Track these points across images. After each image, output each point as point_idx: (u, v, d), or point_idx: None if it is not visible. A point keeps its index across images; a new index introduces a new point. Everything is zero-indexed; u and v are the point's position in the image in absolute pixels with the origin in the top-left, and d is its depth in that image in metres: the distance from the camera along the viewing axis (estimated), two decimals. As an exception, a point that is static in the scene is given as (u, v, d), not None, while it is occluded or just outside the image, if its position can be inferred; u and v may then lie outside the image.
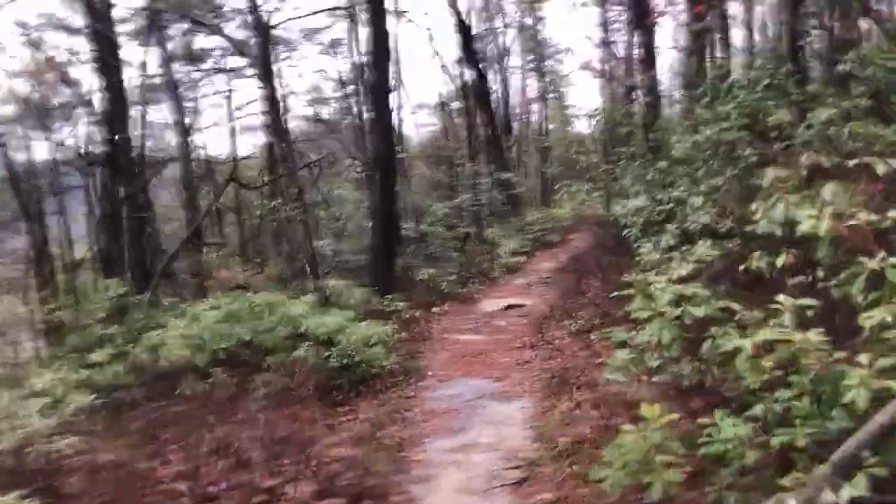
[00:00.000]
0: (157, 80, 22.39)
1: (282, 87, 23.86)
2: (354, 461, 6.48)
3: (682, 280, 5.26)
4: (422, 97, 63.10)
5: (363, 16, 23.82)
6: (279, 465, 6.36)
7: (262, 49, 14.36)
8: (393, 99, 17.57)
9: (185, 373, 8.42)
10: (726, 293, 5.25)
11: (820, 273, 4.51)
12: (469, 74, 26.41)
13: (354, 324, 9.37)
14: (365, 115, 26.84)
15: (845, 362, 3.56)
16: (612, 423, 6.30)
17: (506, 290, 15.25)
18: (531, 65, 36.18)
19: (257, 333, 9.06)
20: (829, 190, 4.12)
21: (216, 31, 17.47)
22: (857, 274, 3.42)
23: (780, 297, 3.66)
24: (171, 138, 25.00)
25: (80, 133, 22.56)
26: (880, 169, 4.12)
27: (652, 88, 15.68)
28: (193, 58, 24.25)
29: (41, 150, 24.29)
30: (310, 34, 27.20)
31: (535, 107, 37.09)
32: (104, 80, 15.43)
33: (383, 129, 14.76)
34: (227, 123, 27.30)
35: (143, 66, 21.82)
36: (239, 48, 17.60)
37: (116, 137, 15.27)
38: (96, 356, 8.88)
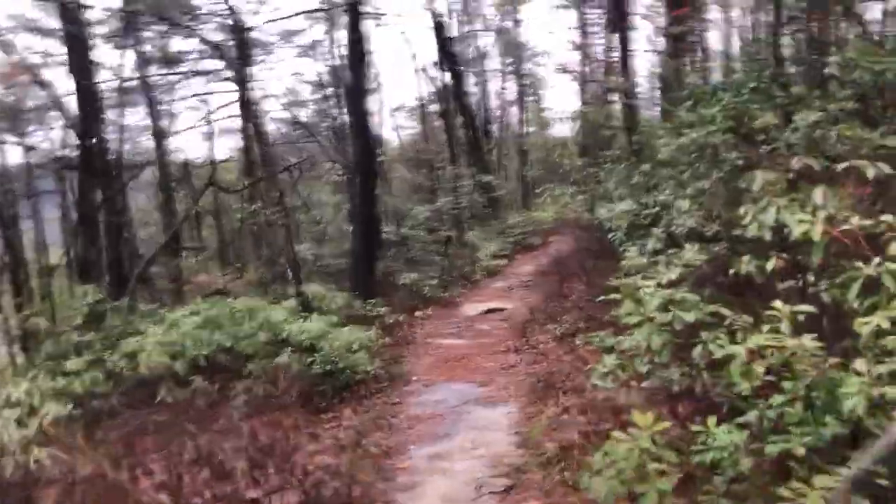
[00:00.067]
0: (133, 83, 22.11)
1: (259, 89, 23.68)
2: (339, 470, 6.39)
3: (670, 284, 5.22)
4: (400, 100, 62.91)
5: (341, 19, 23.79)
6: (263, 475, 6.25)
7: (240, 52, 14.20)
8: (372, 102, 17.48)
9: (165, 380, 8.28)
10: (714, 298, 5.22)
11: (811, 278, 4.49)
12: (447, 77, 26.38)
13: (337, 329, 9.26)
14: (344, 118, 26.81)
15: (839, 368, 3.53)
16: (601, 428, 6.26)
17: (487, 294, 15.21)
18: (509, 67, 36.23)
19: (238, 340, 8.93)
20: (819, 194, 4.09)
21: (193, 33, 17.26)
22: (852, 279, 3.39)
23: (777, 304, 3.62)
24: (148, 142, 24.73)
25: (53, 136, 22.25)
26: (870, 172, 4.11)
27: (631, 91, 15.71)
28: (169, 60, 23.98)
29: (14, 154, 23.94)
30: (287, 36, 27.03)
31: (513, 109, 37.10)
32: (78, 82, 15.18)
33: (363, 132, 14.67)
34: (204, 127, 27.04)
35: (119, 68, 21.59)
36: (217, 51, 17.40)
37: (93, 141, 15.02)
38: (73, 364, 8.69)
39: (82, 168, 15.81)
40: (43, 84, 19.30)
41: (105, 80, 18.95)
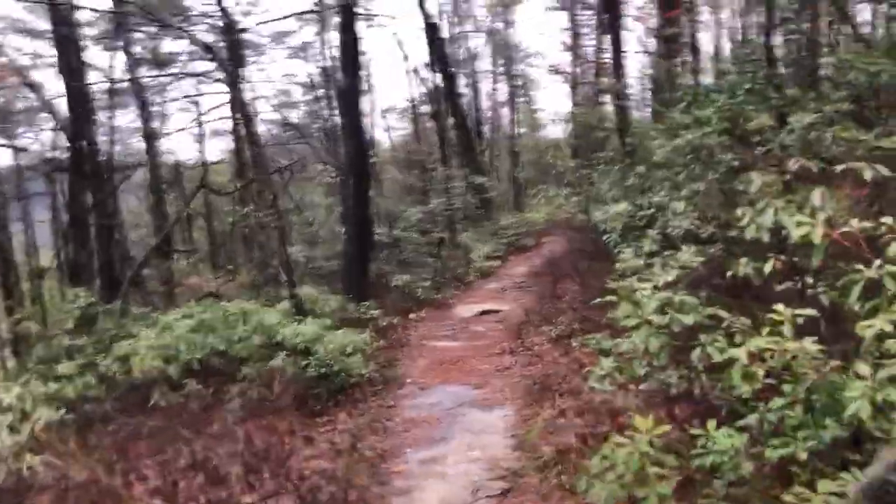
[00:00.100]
0: (124, 85, 22.01)
1: (251, 91, 23.62)
2: (335, 474, 6.35)
3: (667, 286, 5.21)
4: (391, 101, 62.96)
5: (332, 20, 23.73)
6: (258, 480, 6.21)
7: (232, 53, 14.13)
8: (364, 103, 17.43)
9: (158, 384, 8.21)
10: (711, 300, 5.22)
11: (809, 280, 4.48)
12: (439, 78, 26.37)
13: (331, 332, 9.22)
14: (336, 120, 26.74)
15: (839, 371, 3.52)
16: (598, 431, 6.24)
17: (481, 296, 15.18)
18: (501, 69, 36.26)
19: (232, 343, 8.88)
20: (817, 196, 4.08)
21: (186, 35, 17.17)
22: (854, 282, 3.38)
23: (779, 307, 3.61)
24: (138, 143, 24.62)
25: (44, 138, 22.12)
26: (867, 174, 4.10)
27: (623, 93, 15.73)
28: (160, 62, 23.88)
29: (4, 156, 23.78)
30: (278, 38, 26.97)
31: (505, 111, 37.14)
32: (68, 84, 15.08)
33: (356, 133, 14.62)
34: (196, 128, 26.94)
35: (110, 70, 21.49)
36: (209, 52, 17.32)
37: (83, 143, 14.93)
38: (65, 368, 8.62)
39: (73, 170, 15.73)
40: (33, 86, 19.19)
41: (96, 83, 18.88)
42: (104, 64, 22.07)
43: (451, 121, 26.41)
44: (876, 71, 5.67)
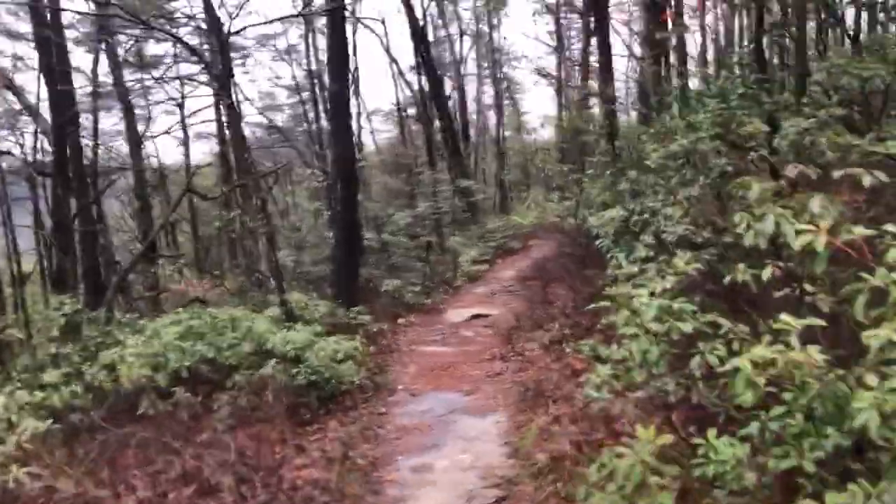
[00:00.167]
0: (108, 88, 21.82)
1: (237, 93, 23.46)
2: (328, 484, 6.28)
3: (663, 293, 5.17)
4: (376, 103, 62.90)
5: (319, 22, 23.65)
6: (250, 490, 6.12)
7: (223, 57, 14.01)
8: (350, 106, 17.33)
9: (146, 392, 8.07)
10: (706, 306, 5.18)
11: (808, 287, 4.45)
12: (425, 81, 26.34)
13: (322, 339, 9.13)
14: (321, 123, 26.67)
15: (842, 380, 3.49)
16: (592, 438, 6.21)
17: (470, 300, 15.13)
18: (487, 72, 36.33)
19: (221, 350, 8.76)
20: (816, 202, 4.05)
21: (172, 37, 17.02)
22: (858, 291, 3.35)
23: (785, 317, 3.57)
24: (122, 147, 24.41)
25: (26, 142, 21.88)
26: (866, 180, 4.08)
27: (612, 96, 15.73)
28: (145, 64, 23.71)
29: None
30: (264, 40, 26.88)
31: (491, 114, 37.22)
32: (53, 87, 14.88)
33: (344, 136, 14.53)
34: (180, 131, 26.77)
35: (94, 73, 21.29)
36: (198, 56, 17.20)
37: (66, 146, 14.73)
38: (50, 377, 8.46)
39: (56, 174, 15.51)
40: (15, 89, 18.98)
41: (80, 87, 18.69)
42: (87, 66, 21.92)
43: (437, 124, 26.40)
44: (869, 76, 5.69)
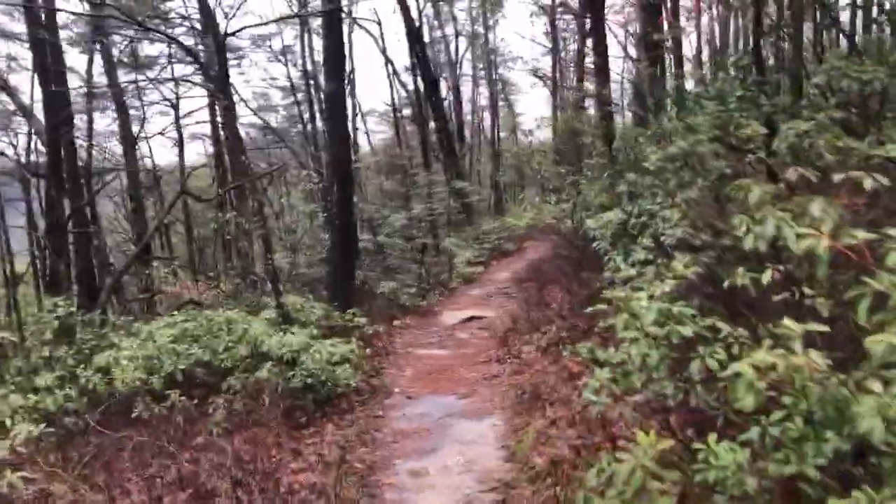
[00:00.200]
0: (102, 88, 21.74)
1: (232, 94, 23.38)
2: (324, 488, 6.23)
3: (662, 296, 5.14)
4: (371, 104, 62.88)
5: (314, 23, 23.62)
6: (247, 494, 6.07)
7: (220, 58, 13.95)
8: (347, 107, 17.31)
9: (141, 395, 8.03)
10: (705, 309, 5.17)
11: (807, 291, 4.43)
12: (421, 82, 26.33)
13: (318, 341, 9.07)
14: (316, 124, 26.64)
15: (843, 384, 3.47)
16: (590, 442, 6.18)
17: (465, 302, 15.12)
18: (482, 73, 36.34)
19: (216, 353, 8.72)
20: (817, 206, 4.03)
21: (170, 39, 16.96)
22: (861, 295, 3.32)
23: (788, 322, 3.55)
24: (116, 147, 24.34)
25: (20, 143, 21.79)
26: (867, 184, 4.05)
27: (608, 98, 15.71)
28: (139, 65, 23.64)
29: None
30: (259, 41, 26.83)
31: (486, 115, 37.25)
32: (47, 87, 14.79)
33: (341, 137, 14.48)
34: (175, 132, 26.68)
35: (88, 73, 21.22)
36: (193, 57, 17.14)
37: (60, 147, 14.65)
38: (44, 380, 8.40)
39: (50, 175, 15.41)
40: (8, 89, 18.88)
41: (75, 88, 18.59)
42: (82, 67, 21.85)
43: (432, 125, 26.38)
44: (868, 79, 5.68)
